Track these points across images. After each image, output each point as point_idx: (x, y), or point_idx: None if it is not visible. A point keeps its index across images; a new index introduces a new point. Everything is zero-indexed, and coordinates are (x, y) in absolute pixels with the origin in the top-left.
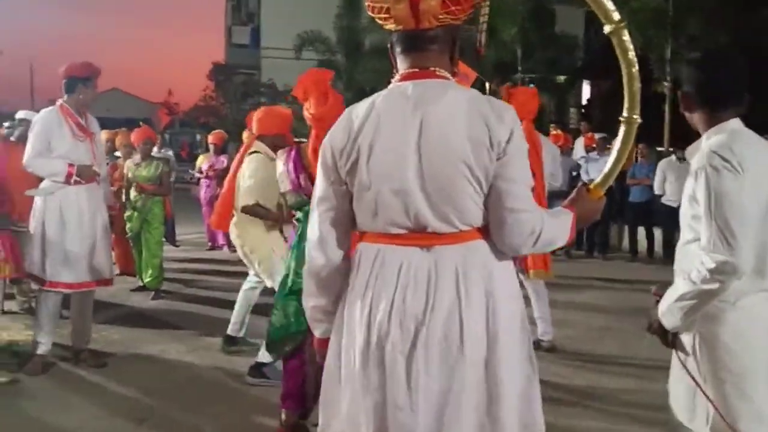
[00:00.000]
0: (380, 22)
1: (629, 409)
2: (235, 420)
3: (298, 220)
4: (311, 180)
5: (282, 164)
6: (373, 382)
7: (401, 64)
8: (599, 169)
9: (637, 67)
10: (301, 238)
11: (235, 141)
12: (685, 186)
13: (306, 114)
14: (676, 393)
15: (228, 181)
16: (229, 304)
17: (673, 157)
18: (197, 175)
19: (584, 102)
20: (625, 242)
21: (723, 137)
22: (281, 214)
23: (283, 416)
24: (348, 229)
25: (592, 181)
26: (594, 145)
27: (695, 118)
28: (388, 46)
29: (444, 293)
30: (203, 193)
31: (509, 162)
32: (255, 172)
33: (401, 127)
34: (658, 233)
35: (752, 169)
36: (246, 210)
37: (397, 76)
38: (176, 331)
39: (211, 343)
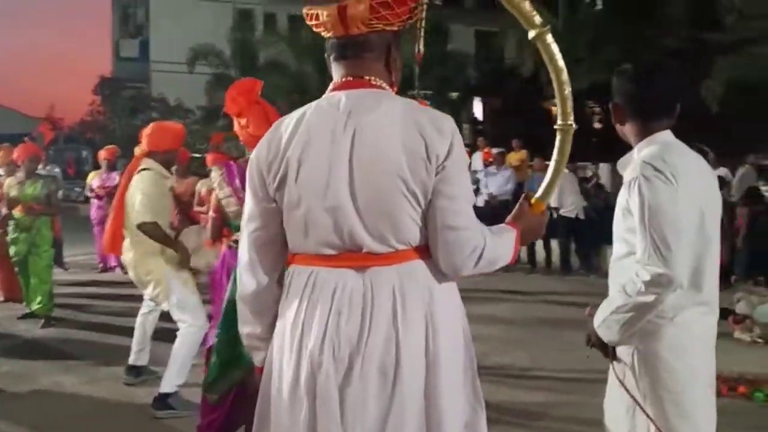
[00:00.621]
0: (315, 30)
1: (556, 424)
2: None
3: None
4: None
5: (222, 185)
6: (303, 416)
7: (335, 73)
8: (498, 183)
9: (566, 74)
10: None
11: (125, 157)
12: (618, 198)
13: (241, 132)
14: (615, 412)
15: (116, 200)
16: (128, 330)
17: (566, 170)
18: (87, 193)
19: (477, 118)
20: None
21: (655, 148)
22: (173, 241)
23: None
24: (280, 250)
25: (491, 194)
26: (491, 160)
27: (626, 129)
28: (325, 55)
29: (380, 318)
30: (94, 211)
31: (449, 176)
32: (149, 188)
33: (332, 139)
34: (555, 245)
35: (684, 179)
36: (143, 228)
37: (330, 86)
38: (71, 362)
39: (110, 373)
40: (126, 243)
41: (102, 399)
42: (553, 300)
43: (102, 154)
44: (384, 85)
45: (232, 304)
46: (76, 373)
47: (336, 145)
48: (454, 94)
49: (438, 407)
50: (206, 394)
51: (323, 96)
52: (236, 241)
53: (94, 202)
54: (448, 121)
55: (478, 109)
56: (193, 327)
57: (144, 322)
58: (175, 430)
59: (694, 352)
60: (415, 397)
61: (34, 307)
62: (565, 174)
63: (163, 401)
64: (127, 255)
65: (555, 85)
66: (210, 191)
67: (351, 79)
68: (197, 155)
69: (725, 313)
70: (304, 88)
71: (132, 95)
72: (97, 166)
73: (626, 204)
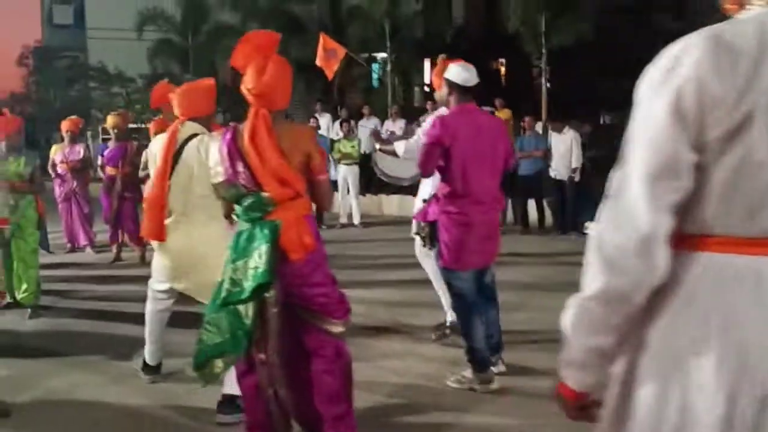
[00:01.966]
0: None
1: None
2: None
3: (236, 215)
4: (250, 169)
5: (214, 150)
6: None
7: None
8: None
9: None
10: (241, 237)
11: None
12: None
13: (243, 89)
14: None
15: (158, 177)
16: (124, 317)
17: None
18: (49, 169)
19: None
20: (510, 216)
21: None
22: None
23: None
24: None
25: None
26: None
27: None
28: None
29: None
30: (58, 188)
31: None
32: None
33: None
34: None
35: None
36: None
37: None
38: (79, 358)
39: (125, 370)
40: (172, 220)
41: (140, 403)
42: (559, 261)
43: (65, 125)
44: None
45: (221, 285)
46: (92, 372)
47: None
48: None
49: None
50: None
51: None
52: (235, 215)
53: (58, 178)
54: None
55: (427, 71)
56: None
57: (157, 320)
58: None
59: None
60: None
61: (20, 296)
62: (558, 135)
63: (230, 404)
64: (173, 237)
65: None
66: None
67: None
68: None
69: None
70: None
71: (68, 64)
72: (31, 142)
73: None
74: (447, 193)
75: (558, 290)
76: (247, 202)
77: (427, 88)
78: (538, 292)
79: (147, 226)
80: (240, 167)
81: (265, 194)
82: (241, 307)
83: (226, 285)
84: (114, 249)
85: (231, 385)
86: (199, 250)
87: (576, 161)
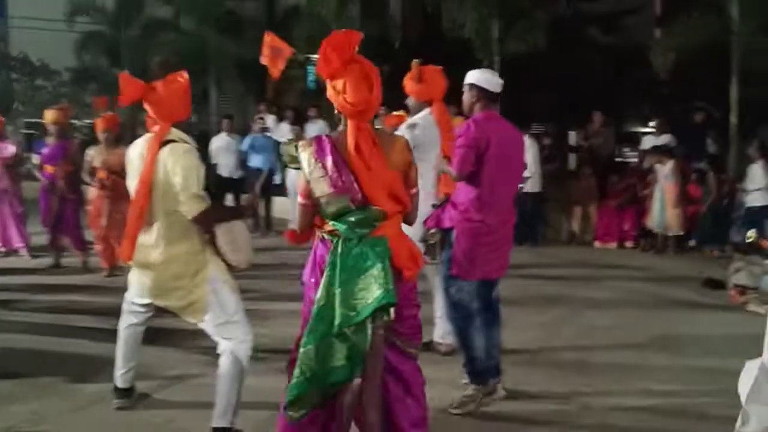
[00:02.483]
0: None
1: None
2: None
3: (332, 234)
4: (358, 182)
5: (310, 160)
6: None
7: None
8: None
9: None
10: (344, 256)
11: None
12: None
13: (337, 98)
14: None
15: (141, 188)
16: (80, 332)
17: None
18: None
19: None
20: None
21: None
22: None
23: None
24: None
25: None
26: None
27: None
28: None
29: None
30: None
31: None
32: (194, 162)
33: None
34: None
35: None
36: (203, 219)
37: None
38: (40, 381)
39: (99, 394)
40: (149, 239)
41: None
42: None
43: None
44: None
45: (325, 309)
46: (50, 396)
47: None
48: None
49: None
50: (287, 413)
51: None
52: (330, 232)
53: None
54: None
55: None
56: (245, 342)
57: (133, 335)
58: None
59: None
60: None
61: None
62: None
63: None
64: (150, 253)
65: None
66: (103, 161)
67: None
68: (74, 121)
69: (715, 283)
70: (200, 51)
71: None
72: None
73: None
74: (472, 199)
75: (523, 304)
76: (356, 217)
77: None
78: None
79: (127, 246)
80: (348, 179)
81: (375, 208)
82: (350, 331)
83: (339, 309)
84: (53, 254)
85: (221, 417)
86: (174, 270)
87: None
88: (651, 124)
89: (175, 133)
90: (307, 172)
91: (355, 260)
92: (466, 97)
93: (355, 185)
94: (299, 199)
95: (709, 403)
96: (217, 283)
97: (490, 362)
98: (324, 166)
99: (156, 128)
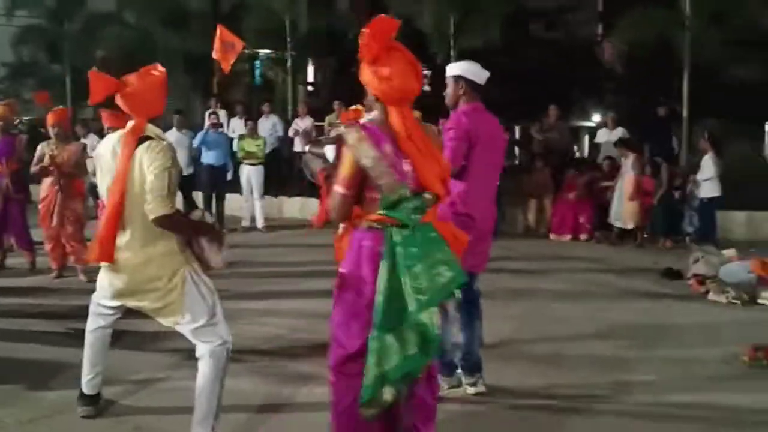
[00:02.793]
0: None
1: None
2: None
3: (382, 223)
4: (414, 167)
5: (369, 151)
6: None
7: None
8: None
9: None
10: (405, 244)
11: None
12: None
13: (380, 85)
14: None
15: (116, 186)
16: (35, 336)
17: None
18: None
19: (310, 80)
20: None
21: None
22: (205, 227)
23: None
24: None
25: None
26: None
27: None
28: None
29: None
30: None
31: None
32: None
33: None
34: None
35: None
36: (165, 223)
37: None
38: None
39: (62, 402)
40: (122, 240)
41: None
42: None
43: None
44: None
45: (392, 299)
46: (10, 405)
47: None
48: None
49: None
50: (362, 411)
51: None
52: (379, 221)
53: None
54: None
55: (310, 71)
56: (226, 344)
57: (101, 338)
58: None
59: None
60: None
61: None
62: None
63: None
64: (124, 254)
65: None
66: (54, 156)
67: None
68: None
69: (674, 274)
70: (145, 45)
71: None
72: None
73: None
74: (459, 192)
75: (490, 297)
76: (413, 204)
77: (310, 87)
78: None
79: (99, 246)
80: (405, 167)
81: (428, 195)
82: (425, 315)
83: (413, 296)
84: None
85: (201, 423)
86: (150, 271)
87: None
88: (594, 118)
89: (151, 129)
90: (368, 163)
91: (419, 246)
92: (451, 89)
93: (412, 173)
94: (339, 190)
95: (689, 394)
96: (195, 284)
97: (472, 357)
98: (385, 155)
99: (131, 123)
